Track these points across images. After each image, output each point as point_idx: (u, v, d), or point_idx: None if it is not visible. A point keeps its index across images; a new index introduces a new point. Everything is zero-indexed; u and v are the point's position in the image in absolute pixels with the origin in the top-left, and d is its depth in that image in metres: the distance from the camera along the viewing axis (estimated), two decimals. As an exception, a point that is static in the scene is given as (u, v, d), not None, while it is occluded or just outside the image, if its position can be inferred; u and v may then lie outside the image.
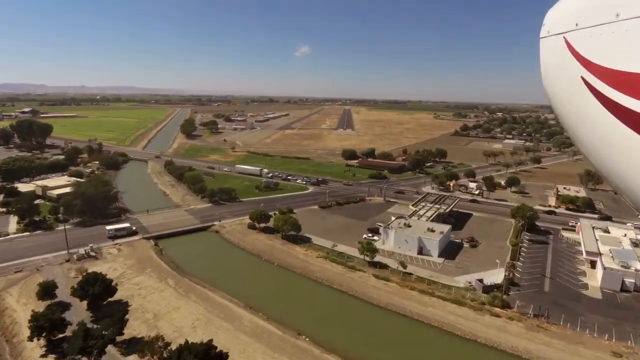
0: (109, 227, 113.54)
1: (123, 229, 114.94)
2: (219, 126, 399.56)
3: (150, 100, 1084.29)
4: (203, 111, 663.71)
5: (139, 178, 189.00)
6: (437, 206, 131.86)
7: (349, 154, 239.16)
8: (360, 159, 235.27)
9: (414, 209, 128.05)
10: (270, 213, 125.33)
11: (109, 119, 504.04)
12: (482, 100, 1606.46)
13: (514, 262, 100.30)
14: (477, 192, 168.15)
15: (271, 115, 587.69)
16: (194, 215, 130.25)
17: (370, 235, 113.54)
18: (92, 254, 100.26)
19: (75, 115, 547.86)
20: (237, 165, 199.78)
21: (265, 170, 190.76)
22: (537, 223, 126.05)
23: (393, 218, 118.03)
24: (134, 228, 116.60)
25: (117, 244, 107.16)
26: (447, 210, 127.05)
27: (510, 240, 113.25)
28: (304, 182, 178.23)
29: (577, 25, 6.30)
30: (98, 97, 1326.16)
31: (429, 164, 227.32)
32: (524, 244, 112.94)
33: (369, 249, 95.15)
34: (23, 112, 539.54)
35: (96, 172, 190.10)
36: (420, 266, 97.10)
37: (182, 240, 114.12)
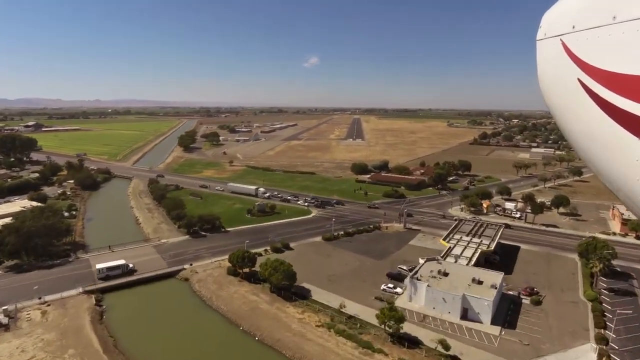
0: (99, 266, 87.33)
1: (117, 267, 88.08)
2: (220, 138, 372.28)
3: (159, 113, 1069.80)
4: (209, 122, 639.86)
5: (115, 200, 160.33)
6: (475, 239, 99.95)
7: (359, 168, 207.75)
8: (372, 174, 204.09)
9: (447, 244, 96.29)
10: (258, 251, 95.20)
11: (112, 132, 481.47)
12: (493, 107, 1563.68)
13: (602, 330, 68.18)
14: (517, 214, 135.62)
15: (278, 126, 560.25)
16: (162, 254, 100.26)
17: (390, 286, 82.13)
18: (4, 321, 70.76)
19: (79, 128, 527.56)
20: (229, 184, 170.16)
21: (262, 190, 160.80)
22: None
23: (421, 261, 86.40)
24: (130, 265, 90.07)
25: (45, 302, 77.47)
26: (492, 248, 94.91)
27: (585, 292, 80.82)
28: (306, 204, 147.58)
29: (574, 27, 6.26)
30: (110, 110, 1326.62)
31: (451, 178, 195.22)
32: (605, 297, 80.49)
33: (392, 316, 63.91)
34: (27, 126, 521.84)
35: (68, 193, 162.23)
36: (466, 340, 65.41)
37: (137, 294, 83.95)
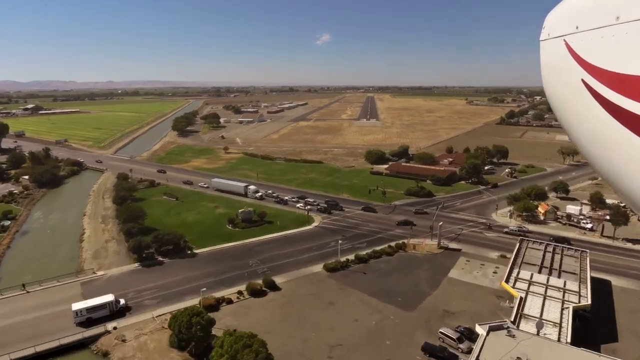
0: (75, 307, 60.70)
1: (101, 306, 61.53)
2: (222, 120, 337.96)
3: (168, 93, 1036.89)
4: (216, 103, 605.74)
5: (73, 202, 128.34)
6: (555, 281, 64.77)
7: (375, 157, 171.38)
8: (390, 163, 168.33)
9: (515, 292, 61.31)
10: (228, 295, 63.14)
11: (110, 114, 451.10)
12: (511, 84, 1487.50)
13: None
14: (589, 224, 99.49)
15: (286, 105, 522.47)
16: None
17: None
18: None
19: (78, 110, 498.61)
20: (214, 180, 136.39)
21: (253, 188, 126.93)
22: None
23: (480, 330, 51.86)
24: (122, 302, 63.79)
25: None
26: (589, 300, 59.62)
27: None
28: (307, 207, 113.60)
29: (577, 28, 6.24)
30: (120, 91, 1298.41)
31: (486, 167, 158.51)
32: None
33: None
34: (25, 109, 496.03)
35: (16, 192, 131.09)
36: None
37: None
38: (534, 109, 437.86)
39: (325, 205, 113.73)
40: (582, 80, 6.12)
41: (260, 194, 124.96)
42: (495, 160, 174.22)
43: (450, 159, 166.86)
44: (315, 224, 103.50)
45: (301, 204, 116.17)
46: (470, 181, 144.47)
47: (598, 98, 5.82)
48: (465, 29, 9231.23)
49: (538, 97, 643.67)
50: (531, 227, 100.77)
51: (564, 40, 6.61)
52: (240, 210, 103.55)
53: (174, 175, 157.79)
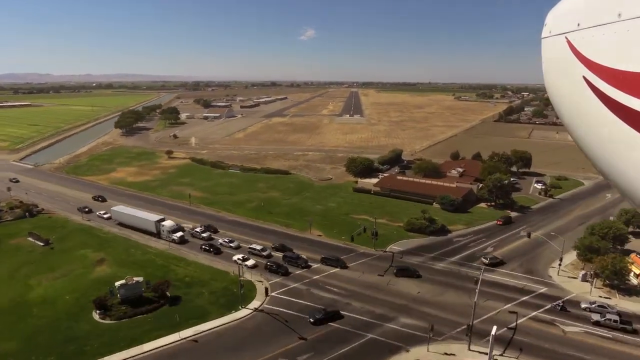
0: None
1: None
2: (184, 115, 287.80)
3: (142, 86, 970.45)
4: (189, 96, 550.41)
5: None
6: None
7: (360, 166, 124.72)
8: (380, 176, 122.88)
9: None
10: None
11: (64, 108, 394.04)
12: (493, 81, 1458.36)
13: None
14: None
15: (263, 100, 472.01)
16: None
17: None
18: None
19: (28, 104, 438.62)
20: (115, 209, 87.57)
21: (168, 225, 79.34)
22: None
23: None
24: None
25: None
26: None
27: None
28: (248, 265, 67.31)
29: (578, 25, 6.13)
30: (94, 84, 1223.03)
31: (512, 180, 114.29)
32: None
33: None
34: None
35: None
36: None
37: None
38: (527, 105, 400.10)
39: (275, 264, 67.39)
40: (584, 77, 6.00)
41: (179, 234, 77.94)
42: (515, 169, 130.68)
43: (460, 169, 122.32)
44: (254, 303, 57.22)
45: (239, 256, 69.52)
46: (493, 204, 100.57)
47: (599, 95, 5.69)
48: (450, 25, 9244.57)
49: (526, 94, 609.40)
50: (627, 304, 57.18)
51: (566, 37, 6.50)
52: (118, 284, 56.23)
53: (74, 194, 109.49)
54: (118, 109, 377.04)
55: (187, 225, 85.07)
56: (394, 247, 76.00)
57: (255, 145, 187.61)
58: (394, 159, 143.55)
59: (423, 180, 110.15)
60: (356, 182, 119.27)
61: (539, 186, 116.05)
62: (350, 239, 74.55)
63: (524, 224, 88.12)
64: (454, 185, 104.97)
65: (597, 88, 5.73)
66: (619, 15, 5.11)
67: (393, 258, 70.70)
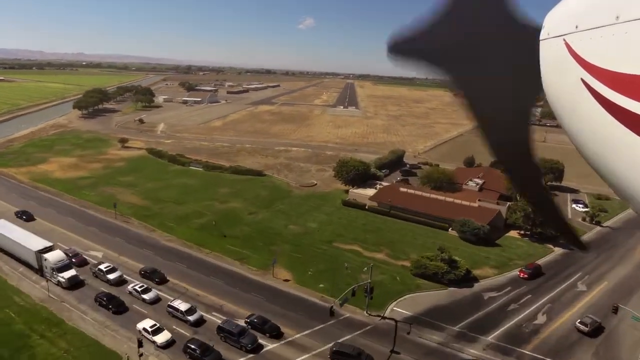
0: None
1: None
2: (162, 98, 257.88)
3: (132, 67, 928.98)
4: (176, 79, 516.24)
5: None
6: None
7: (353, 171, 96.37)
8: (377, 186, 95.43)
9: None
10: None
11: (36, 85, 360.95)
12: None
13: None
14: None
15: (253, 86, 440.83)
16: None
17: None
18: None
19: (2, 79, 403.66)
20: (-11, 226, 60.74)
21: (56, 256, 51.79)
22: None
23: None
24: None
25: None
26: None
27: None
28: (158, 343, 40.21)
29: (577, 27, 5.87)
30: (84, 63, 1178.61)
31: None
32: None
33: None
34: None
35: None
36: None
37: None
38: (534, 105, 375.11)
39: (206, 340, 40.24)
40: (582, 80, 5.77)
41: (70, 273, 50.22)
42: (548, 183, 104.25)
43: (479, 180, 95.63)
44: None
45: (145, 327, 42.17)
46: (528, 232, 74.40)
47: (598, 97, 5.51)
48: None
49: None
50: None
51: (564, 39, 6.20)
52: None
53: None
54: (93, 88, 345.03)
55: (97, 254, 57.61)
56: (397, 309, 49.26)
57: (231, 135, 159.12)
58: (395, 162, 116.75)
59: (435, 196, 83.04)
60: (347, 191, 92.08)
61: (579, 208, 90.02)
62: (339, 303, 46.59)
63: (573, 269, 61.82)
64: (476, 205, 78.14)
65: (595, 90, 5.48)
66: (617, 17, 4.91)
67: (396, 331, 43.84)
